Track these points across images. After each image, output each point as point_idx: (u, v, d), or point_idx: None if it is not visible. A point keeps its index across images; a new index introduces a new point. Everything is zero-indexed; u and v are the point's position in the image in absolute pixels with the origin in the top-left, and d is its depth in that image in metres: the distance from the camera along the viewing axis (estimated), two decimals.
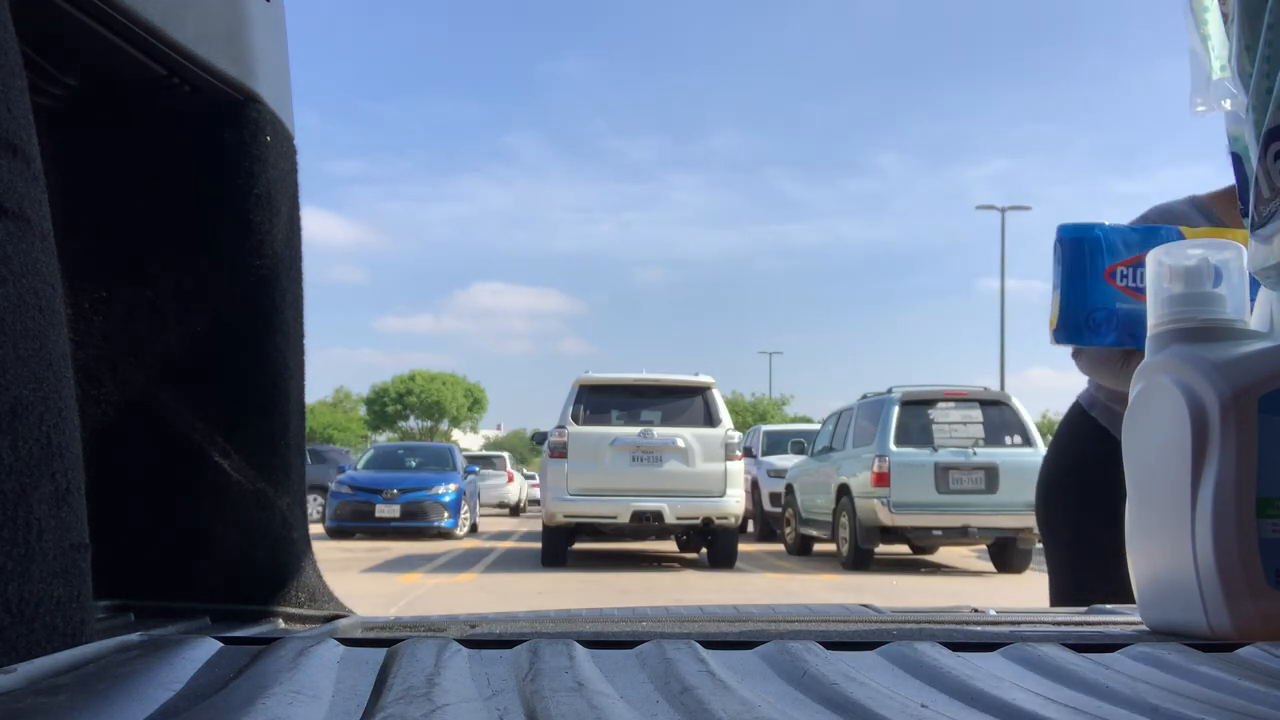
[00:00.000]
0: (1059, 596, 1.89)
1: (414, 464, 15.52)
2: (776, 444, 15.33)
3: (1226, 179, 1.10)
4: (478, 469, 18.91)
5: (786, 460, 14.01)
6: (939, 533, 9.76)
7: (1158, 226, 1.58)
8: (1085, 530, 1.82)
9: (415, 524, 13.59)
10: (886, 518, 9.66)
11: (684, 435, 9.70)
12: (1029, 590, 8.31)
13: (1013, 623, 0.87)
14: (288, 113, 1.02)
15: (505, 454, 28.79)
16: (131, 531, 0.92)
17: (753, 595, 7.79)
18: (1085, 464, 1.85)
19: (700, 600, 7.03)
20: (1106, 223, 1.61)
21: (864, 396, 11.09)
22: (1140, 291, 1.54)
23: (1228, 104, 1.08)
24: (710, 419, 9.92)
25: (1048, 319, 1.64)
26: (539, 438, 11.49)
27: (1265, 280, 0.89)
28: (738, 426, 11.98)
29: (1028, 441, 9.74)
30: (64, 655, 0.54)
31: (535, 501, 22.00)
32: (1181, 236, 1.55)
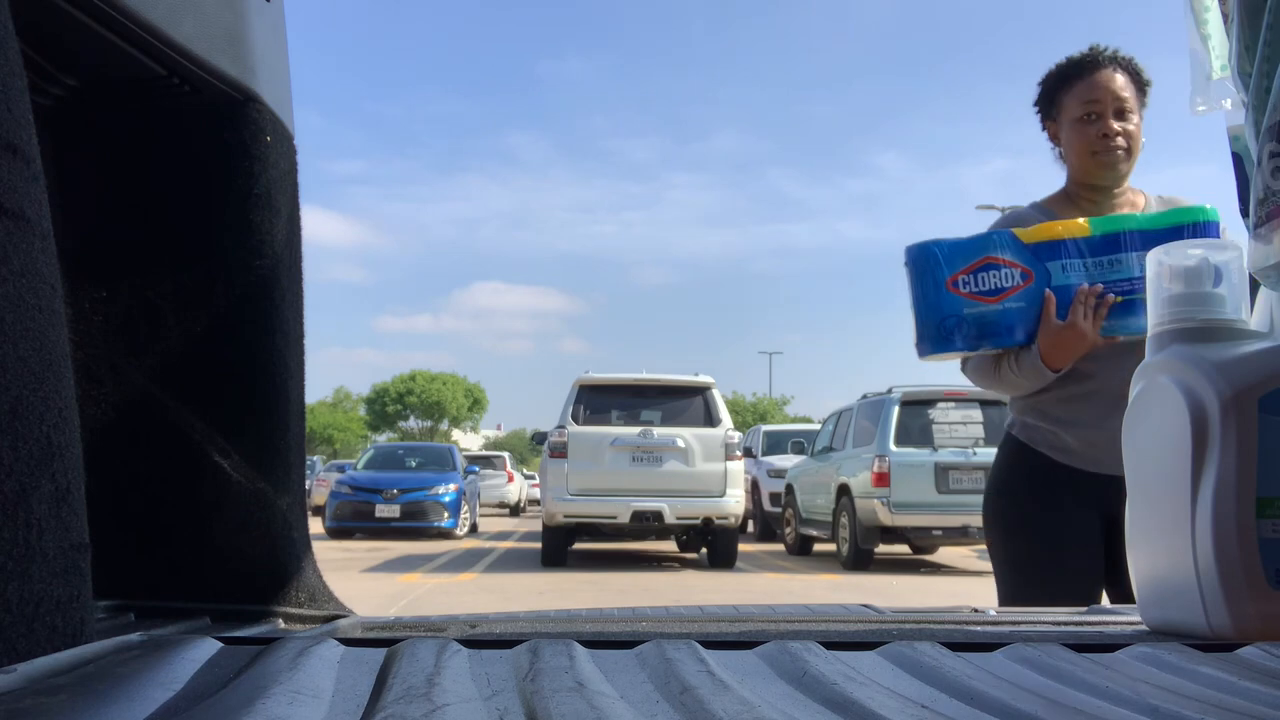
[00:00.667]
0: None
1: (414, 464, 15.52)
2: (776, 444, 15.32)
3: (1229, 179, 1.10)
4: (478, 469, 18.91)
5: (786, 460, 14.00)
6: (939, 533, 9.76)
7: (989, 233, 1.70)
8: (1011, 552, 1.92)
9: (415, 524, 13.59)
10: (886, 518, 9.66)
11: (684, 435, 9.70)
12: None
13: (1013, 623, 0.87)
14: (288, 113, 1.02)
15: (505, 454, 28.79)
16: (131, 531, 0.92)
17: (753, 595, 7.79)
18: (1009, 485, 1.94)
19: (700, 600, 7.03)
20: (944, 239, 1.71)
21: (864, 396, 11.09)
22: (982, 294, 1.67)
23: (1228, 104, 1.09)
24: (710, 419, 9.92)
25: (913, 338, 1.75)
26: (539, 438, 11.49)
27: (1265, 280, 0.89)
28: (738, 426, 11.98)
29: None
30: (64, 655, 0.54)
31: (535, 501, 22.01)
32: (1013, 237, 1.67)
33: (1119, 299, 1.65)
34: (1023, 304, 1.68)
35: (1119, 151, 1.86)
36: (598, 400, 9.94)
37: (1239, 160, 1.05)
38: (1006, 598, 1.93)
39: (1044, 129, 1.98)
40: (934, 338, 1.70)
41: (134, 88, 0.90)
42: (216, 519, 0.92)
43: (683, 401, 10.05)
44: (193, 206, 0.94)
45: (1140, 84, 1.91)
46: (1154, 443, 0.78)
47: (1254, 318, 0.94)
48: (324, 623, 0.95)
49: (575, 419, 9.74)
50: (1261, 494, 0.71)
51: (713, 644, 0.62)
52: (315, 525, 12.99)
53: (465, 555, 11.28)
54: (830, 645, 0.62)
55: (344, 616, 0.99)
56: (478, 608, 6.32)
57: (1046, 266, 1.68)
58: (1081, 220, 1.70)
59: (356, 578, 8.57)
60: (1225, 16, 1.03)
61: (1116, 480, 1.76)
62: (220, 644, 0.59)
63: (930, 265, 1.69)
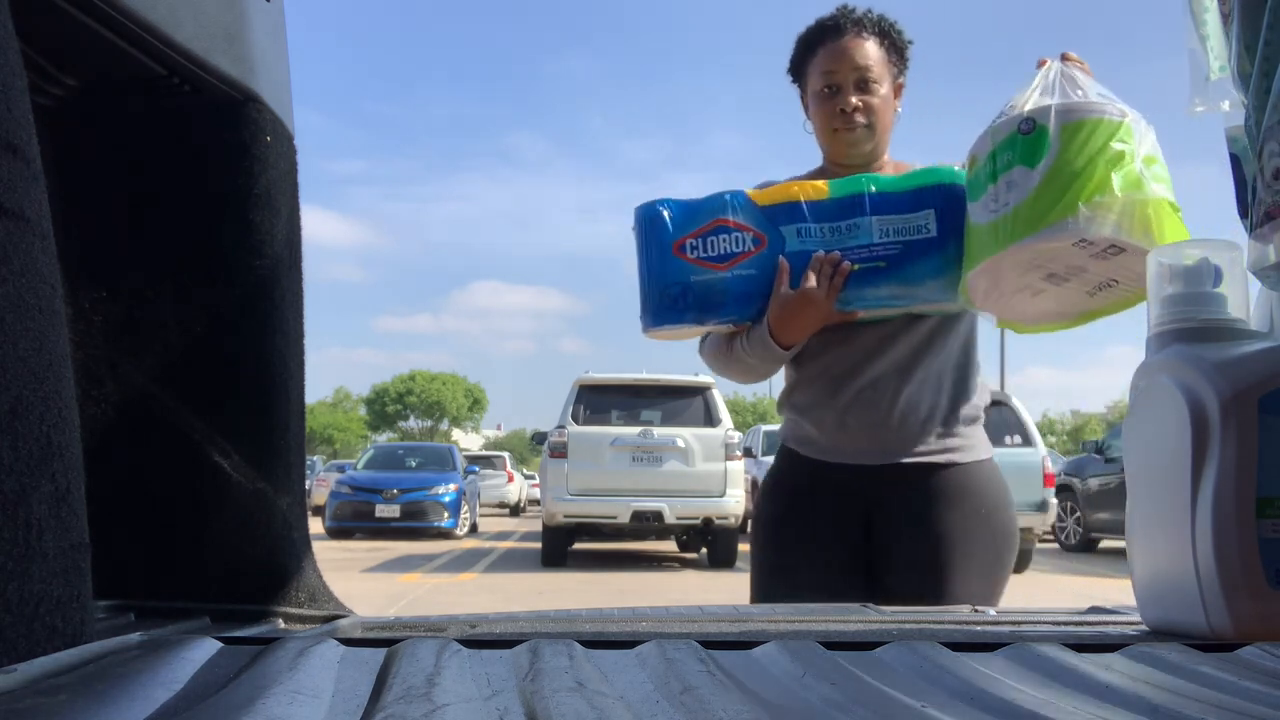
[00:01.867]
0: None
1: (414, 464, 15.52)
2: (776, 444, 15.31)
3: (1227, 181, 1.10)
4: (478, 469, 18.91)
5: None
6: None
7: (722, 193, 1.53)
8: (760, 558, 1.75)
9: (415, 524, 13.59)
10: None
11: (684, 435, 9.70)
12: (1029, 590, 8.31)
13: (1013, 623, 0.87)
14: (288, 113, 1.02)
15: (505, 454, 28.80)
16: (131, 531, 0.92)
17: None
18: (766, 487, 1.81)
19: (700, 600, 7.03)
20: (677, 198, 1.54)
21: None
22: (711, 260, 1.50)
23: (1226, 105, 1.09)
24: (710, 419, 9.92)
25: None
26: (539, 438, 11.49)
27: (1264, 280, 0.89)
28: (738, 426, 11.97)
29: (1028, 441, 9.73)
30: (64, 655, 0.54)
31: (535, 501, 22.00)
32: (747, 199, 1.51)
33: (856, 267, 1.49)
34: (754, 272, 1.51)
35: (859, 129, 1.68)
36: (598, 400, 9.94)
37: (1237, 161, 1.05)
38: (757, 601, 1.76)
39: (801, 102, 1.79)
40: (657, 308, 1.52)
41: (134, 88, 0.90)
42: (216, 519, 0.92)
43: (683, 401, 10.05)
44: (193, 206, 0.94)
45: (895, 47, 1.72)
46: (1154, 443, 0.78)
47: (1254, 318, 0.94)
48: (324, 623, 0.95)
49: (575, 419, 9.74)
50: (1261, 494, 0.71)
51: (713, 644, 0.62)
52: (315, 525, 12.99)
53: (465, 555, 11.27)
54: (830, 645, 0.62)
55: (344, 616, 0.99)
56: (478, 608, 6.32)
57: (780, 231, 1.51)
58: (821, 182, 1.54)
59: (356, 578, 8.57)
60: (1224, 16, 1.03)
61: (866, 470, 1.67)
62: (220, 644, 0.59)
63: (657, 227, 1.52)
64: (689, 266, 1.51)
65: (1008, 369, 25.24)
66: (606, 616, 0.96)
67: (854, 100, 1.67)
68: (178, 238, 0.94)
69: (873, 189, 1.51)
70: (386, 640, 0.62)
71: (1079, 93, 1.29)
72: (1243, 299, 0.80)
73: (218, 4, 0.91)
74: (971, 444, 1.71)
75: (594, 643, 0.62)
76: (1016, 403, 10.08)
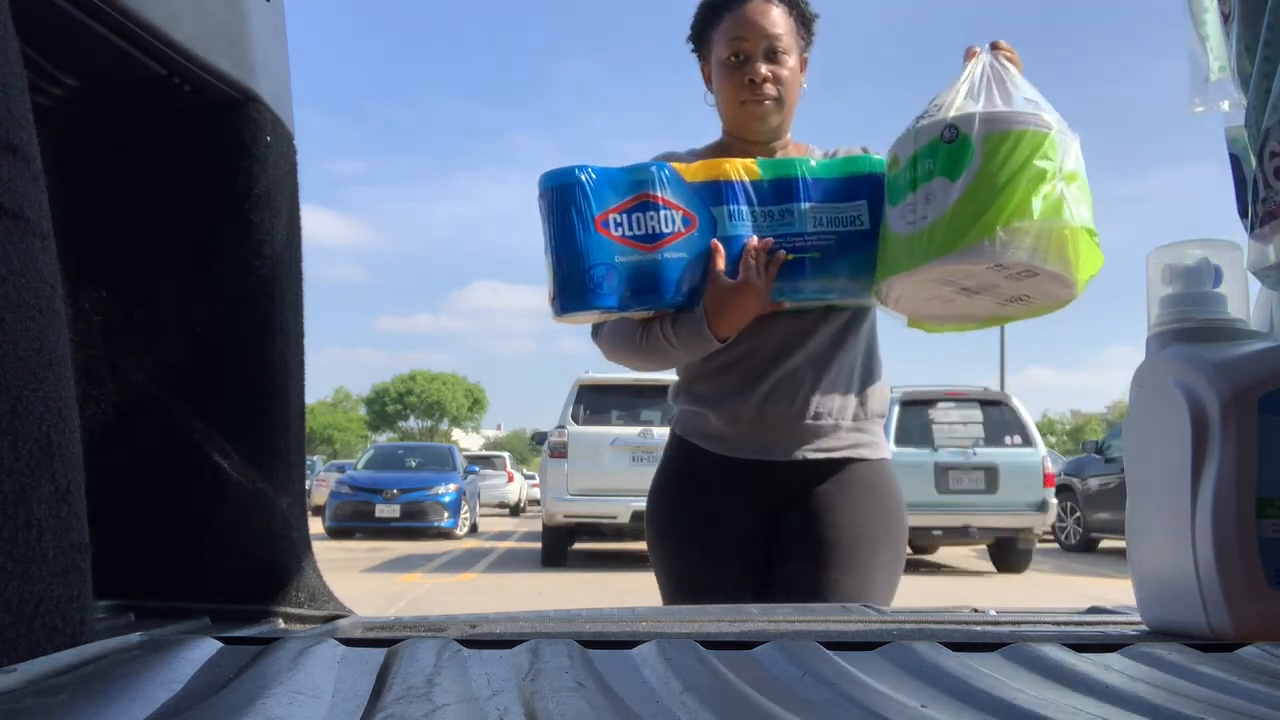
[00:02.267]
0: None
1: (414, 464, 15.52)
2: None
3: (1227, 181, 1.10)
4: (478, 469, 18.91)
5: None
6: (939, 533, 9.75)
7: (648, 163, 1.41)
8: (661, 560, 1.66)
9: (415, 524, 13.58)
10: None
11: None
12: (1029, 590, 8.31)
13: (1013, 623, 0.87)
14: (288, 113, 1.02)
15: (505, 454, 28.78)
16: (131, 531, 0.92)
17: None
18: (659, 486, 1.69)
19: None
20: (594, 165, 1.40)
21: None
22: (639, 240, 1.37)
23: (1225, 105, 1.09)
24: None
25: (547, 293, 1.41)
26: (539, 438, 11.48)
27: (1264, 280, 0.89)
28: None
29: (1028, 441, 9.73)
30: (64, 655, 0.54)
31: (535, 501, 21.99)
32: (675, 174, 1.39)
33: (791, 256, 1.39)
34: (683, 254, 1.38)
35: (769, 101, 1.57)
36: (598, 400, 9.94)
37: (1236, 161, 1.05)
38: (665, 602, 1.69)
39: (702, 73, 1.67)
40: (579, 290, 1.36)
41: (134, 88, 0.90)
42: (216, 519, 0.92)
43: None
44: (193, 206, 0.94)
45: (803, 18, 1.62)
46: (1154, 443, 0.78)
47: (1254, 318, 0.94)
48: (324, 623, 0.95)
49: (575, 419, 9.74)
50: (1261, 494, 0.71)
51: (713, 644, 0.62)
52: (315, 525, 12.98)
53: (465, 555, 11.27)
54: (830, 645, 0.62)
55: (344, 616, 0.99)
56: (478, 608, 6.32)
57: (712, 212, 1.39)
58: (750, 162, 1.43)
59: (356, 578, 8.57)
60: (1224, 17, 1.03)
61: (775, 468, 1.61)
62: (220, 644, 0.59)
63: (576, 197, 1.36)
64: (614, 245, 1.36)
65: (1008, 369, 25.24)
66: (606, 616, 0.96)
67: (764, 70, 1.57)
68: (178, 238, 0.94)
69: (805, 174, 1.43)
70: (386, 640, 0.62)
71: (1006, 96, 1.26)
72: (1243, 299, 0.80)
73: (218, 4, 0.91)
74: (877, 441, 1.66)
75: (594, 643, 0.62)
76: (1016, 403, 10.09)
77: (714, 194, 1.40)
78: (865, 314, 1.64)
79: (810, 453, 1.60)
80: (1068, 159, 1.24)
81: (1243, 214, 0.98)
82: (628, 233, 1.37)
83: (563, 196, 1.37)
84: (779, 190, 1.42)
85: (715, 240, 1.40)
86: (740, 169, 1.42)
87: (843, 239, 1.43)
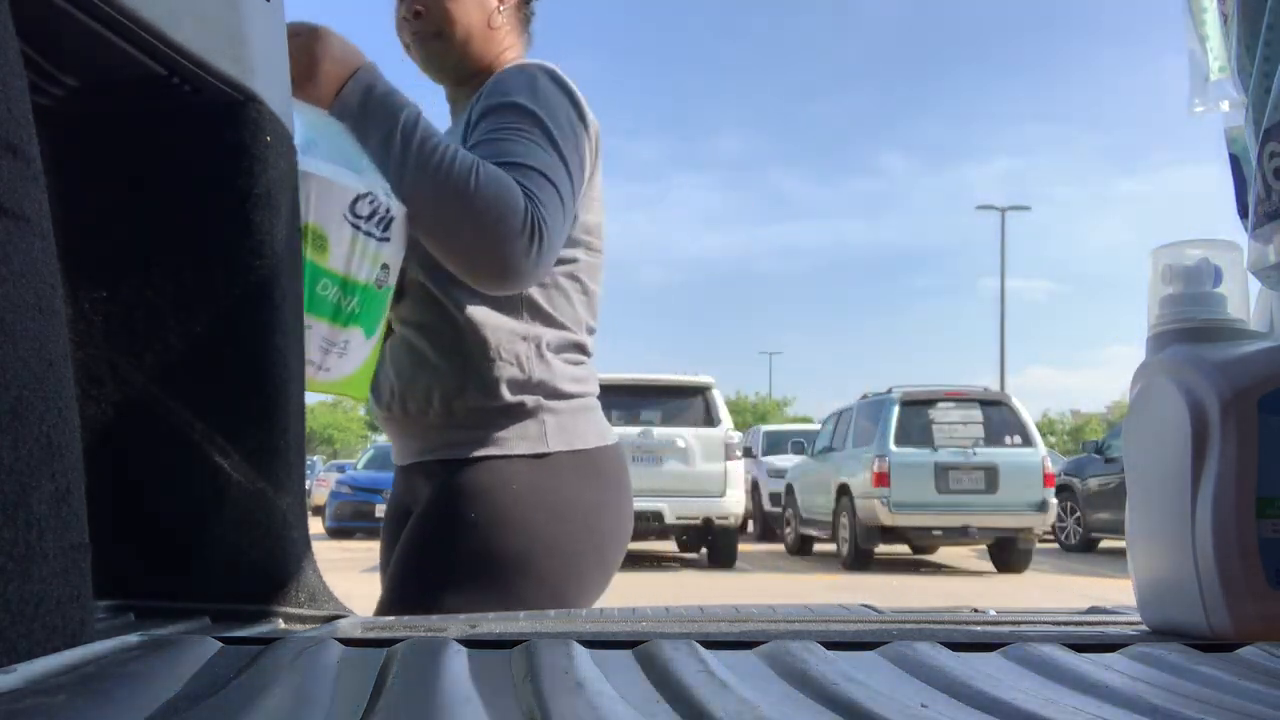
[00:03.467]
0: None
1: None
2: (776, 444, 15.32)
3: (1227, 181, 1.10)
4: None
5: (787, 460, 14.01)
6: (939, 533, 9.77)
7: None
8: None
9: None
10: (886, 518, 9.66)
11: (684, 435, 9.70)
12: (1029, 590, 8.32)
13: (1013, 623, 0.87)
14: (288, 113, 1.02)
15: None
16: (131, 531, 0.92)
17: (753, 595, 7.79)
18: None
19: (700, 600, 7.03)
20: None
21: (864, 396, 11.09)
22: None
23: (1225, 105, 1.09)
24: (710, 419, 9.92)
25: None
26: None
27: (1264, 280, 0.89)
28: (738, 427, 11.98)
29: (1028, 441, 9.74)
30: (64, 655, 0.54)
31: None
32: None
33: None
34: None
35: (414, 33, 1.40)
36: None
37: (1236, 161, 1.05)
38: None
39: None
40: None
41: (134, 88, 0.90)
42: (216, 519, 0.92)
43: (683, 401, 10.05)
44: (193, 206, 0.94)
45: None
46: (1154, 443, 0.78)
47: (1254, 318, 0.94)
48: (324, 623, 0.95)
49: None
50: (1261, 494, 0.71)
51: (713, 644, 0.62)
52: (315, 525, 12.98)
53: None
54: (830, 645, 0.62)
55: (344, 616, 0.99)
56: None
57: None
58: None
59: (356, 578, 8.57)
60: (1224, 16, 1.03)
61: (407, 470, 1.45)
62: (220, 644, 0.59)
63: None
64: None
65: (1008, 369, 25.23)
66: (606, 616, 0.96)
67: (410, 2, 1.38)
68: (178, 238, 0.94)
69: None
70: (386, 640, 0.62)
71: None
72: (1243, 299, 0.80)
73: (218, 4, 0.91)
74: (483, 437, 1.38)
75: (594, 643, 0.62)
76: (1016, 403, 10.09)
77: None
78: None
79: (425, 455, 1.49)
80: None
81: (1243, 214, 0.98)
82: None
83: None
84: None
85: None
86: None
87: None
